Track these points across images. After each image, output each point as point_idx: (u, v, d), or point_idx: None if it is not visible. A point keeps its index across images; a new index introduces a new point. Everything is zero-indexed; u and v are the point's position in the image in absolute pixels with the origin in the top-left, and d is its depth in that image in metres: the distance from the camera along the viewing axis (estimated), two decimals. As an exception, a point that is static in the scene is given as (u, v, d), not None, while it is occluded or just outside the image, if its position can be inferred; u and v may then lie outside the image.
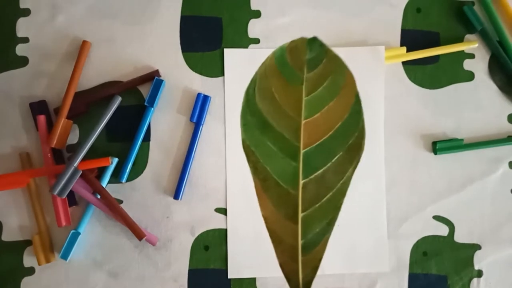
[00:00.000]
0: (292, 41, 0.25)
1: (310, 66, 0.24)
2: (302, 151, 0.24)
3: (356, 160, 0.24)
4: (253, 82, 0.25)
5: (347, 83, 0.24)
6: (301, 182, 0.24)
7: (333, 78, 0.24)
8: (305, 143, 0.24)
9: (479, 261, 0.44)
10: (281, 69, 0.25)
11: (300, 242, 0.24)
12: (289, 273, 0.25)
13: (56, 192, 0.40)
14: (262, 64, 0.25)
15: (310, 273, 0.24)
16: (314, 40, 0.25)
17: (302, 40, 0.25)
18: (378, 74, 0.44)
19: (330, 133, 0.24)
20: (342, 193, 0.24)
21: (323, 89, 0.24)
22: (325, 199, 0.24)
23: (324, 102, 0.24)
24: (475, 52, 0.45)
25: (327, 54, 0.24)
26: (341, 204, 0.24)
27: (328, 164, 0.24)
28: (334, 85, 0.24)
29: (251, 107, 0.24)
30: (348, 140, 0.24)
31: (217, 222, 0.44)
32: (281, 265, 0.25)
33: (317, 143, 0.24)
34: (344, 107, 0.24)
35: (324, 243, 0.25)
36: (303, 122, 0.24)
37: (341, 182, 0.24)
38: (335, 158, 0.24)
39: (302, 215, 0.24)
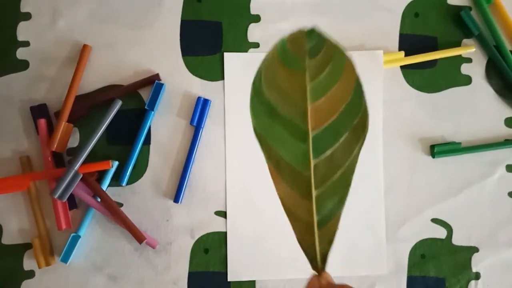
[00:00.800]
0: (292, 33, 0.26)
1: (311, 54, 0.26)
2: (311, 134, 0.26)
3: (362, 139, 0.26)
4: (258, 73, 0.26)
5: (347, 68, 0.26)
6: (312, 163, 0.26)
7: (334, 64, 0.26)
8: (313, 126, 0.26)
9: (477, 263, 0.45)
10: (284, 60, 0.26)
11: (315, 218, 0.26)
12: (307, 247, 0.26)
13: (56, 196, 0.40)
14: (265, 58, 0.26)
15: (326, 246, 0.26)
16: (312, 31, 0.26)
17: (301, 31, 0.26)
18: (376, 78, 0.45)
19: (336, 115, 0.26)
20: (351, 170, 0.26)
21: (325, 74, 0.26)
22: (335, 177, 0.26)
23: (327, 87, 0.26)
24: (472, 57, 0.46)
25: (326, 43, 0.26)
26: (350, 180, 0.26)
27: (336, 145, 0.26)
28: (335, 70, 0.26)
29: (259, 97, 0.26)
30: (353, 120, 0.26)
31: (217, 225, 0.44)
32: (299, 241, 0.26)
33: (324, 125, 0.26)
34: (346, 91, 0.26)
35: (338, 217, 0.26)
36: (309, 106, 0.26)
37: (349, 160, 0.26)
38: (342, 138, 0.26)
39: (315, 193, 0.26)
